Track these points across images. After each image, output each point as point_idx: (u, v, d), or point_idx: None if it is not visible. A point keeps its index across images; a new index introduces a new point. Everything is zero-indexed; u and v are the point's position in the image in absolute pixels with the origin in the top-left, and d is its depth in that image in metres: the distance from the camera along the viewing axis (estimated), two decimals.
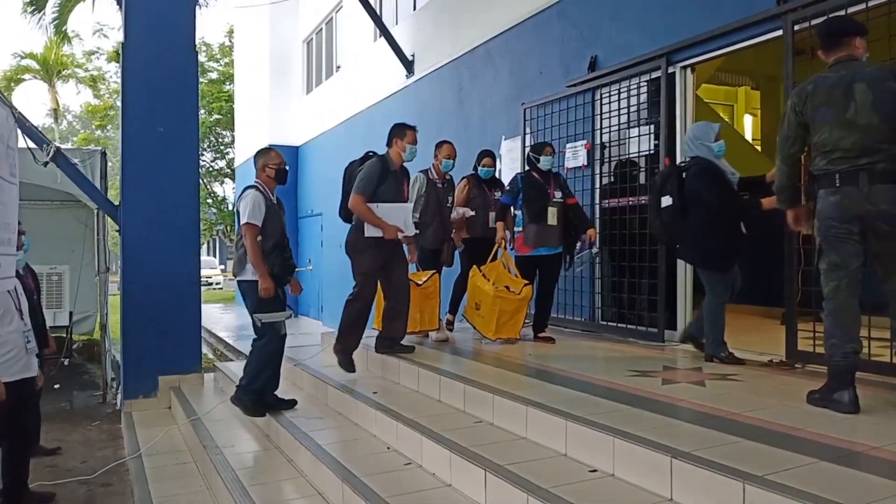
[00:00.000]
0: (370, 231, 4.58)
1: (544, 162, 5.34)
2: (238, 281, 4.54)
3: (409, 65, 10.13)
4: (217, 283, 29.10)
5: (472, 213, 5.66)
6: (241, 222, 4.36)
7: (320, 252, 13.36)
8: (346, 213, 4.80)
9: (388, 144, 4.83)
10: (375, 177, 4.61)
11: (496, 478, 2.75)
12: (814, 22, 4.18)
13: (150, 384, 6.28)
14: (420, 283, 5.25)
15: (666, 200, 4.40)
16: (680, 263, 5.28)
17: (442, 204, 5.39)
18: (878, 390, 3.46)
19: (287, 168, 4.69)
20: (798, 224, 3.41)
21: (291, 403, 4.61)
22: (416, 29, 10.20)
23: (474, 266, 5.39)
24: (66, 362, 7.89)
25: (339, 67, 13.77)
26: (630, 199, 5.75)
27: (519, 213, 5.45)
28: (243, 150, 19.15)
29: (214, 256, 36.91)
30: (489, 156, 5.90)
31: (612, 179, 6.06)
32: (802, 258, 4.27)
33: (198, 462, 4.51)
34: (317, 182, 14.27)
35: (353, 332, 4.74)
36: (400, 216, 4.66)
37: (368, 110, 11.63)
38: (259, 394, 4.55)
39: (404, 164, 4.89)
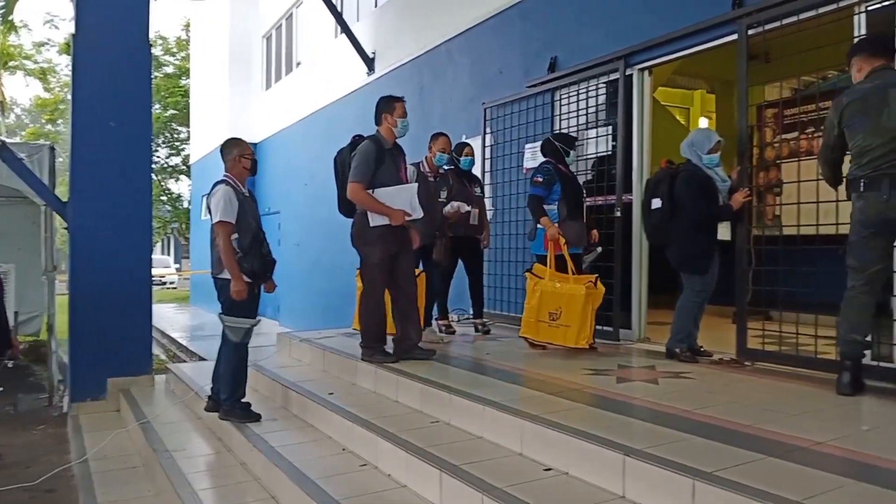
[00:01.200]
0: (375, 220, 4.31)
1: (572, 157, 5.04)
2: (216, 278, 4.24)
3: (370, 62, 10.06)
4: (171, 283, 28.50)
5: (469, 208, 5.42)
6: (214, 220, 4.09)
7: (278, 251, 13.08)
8: (346, 207, 4.53)
9: (378, 122, 4.49)
10: (372, 159, 4.30)
11: (451, 478, 2.73)
12: (767, 27, 4.29)
13: (98, 387, 6.09)
14: None
15: (656, 203, 4.45)
16: (634, 264, 5.36)
17: (433, 198, 5.15)
18: (821, 388, 3.55)
19: (256, 158, 4.47)
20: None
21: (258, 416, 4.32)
22: (378, 26, 10.14)
23: (528, 274, 4.81)
24: (10, 364, 7.61)
25: (299, 64, 13.60)
26: (587, 199, 5.79)
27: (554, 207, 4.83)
28: (199, 146, 18.81)
29: (169, 255, 36.13)
30: (469, 145, 5.79)
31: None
32: (753, 258, 4.37)
33: (147, 466, 4.39)
34: (275, 180, 14.08)
35: (375, 327, 4.50)
36: (405, 198, 4.35)
37: (329, 107, 11.52)
38: (243, 398, 4.34)
39: (397, 140, 4.56)
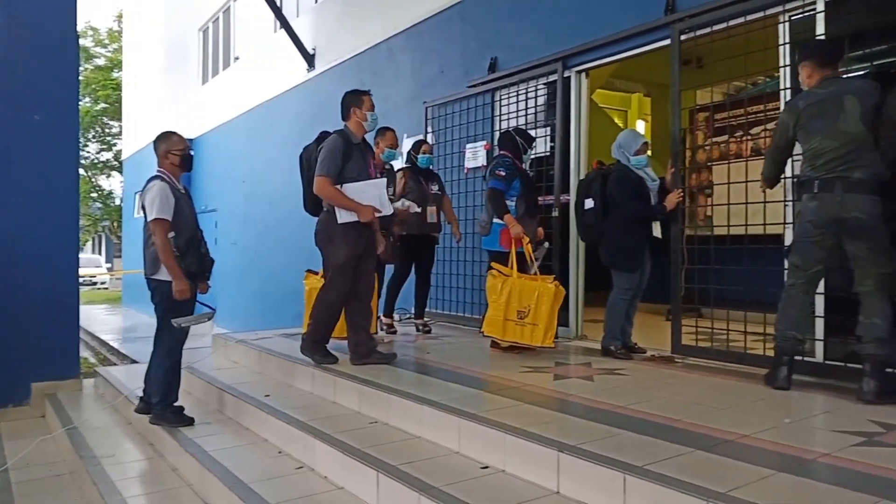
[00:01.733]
0: (343, 216, 4.12)
1: (528, 155, 4.98)
2: (149, 279, 4.01)
3: (310, 59, 9.92)
4: (102, 283, 27.43)
5: (418, 209, 5.30)
6: (149, 218, 3.88)
7: (215, 250, 12.80)
8: (312, 204, 4.34)
9: (345, 117, 4.31)
10: (339, 153, 4.12)
11: (388, 478, 2.71)
12: (698, 32, 4.42)
13: (21, 392, 5.81)
14: None
15: (589, 203, 4.52)
16: (572, 263, 5.45)
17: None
18: (749, 382, 3.69)
19: (192, 153, 4.27)
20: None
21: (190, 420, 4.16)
22: (318, 22, 10.01)
23: (493, 272, 4.63)
24: None
25: (237, 58, 13.30)
26: None
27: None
28: (132, 141, 18.19)
29: (100, 254, 34.79)
30: (427, 143, 5.72)
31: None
32: (686, 257, 4.51)
33: (73, 474, 4.21)
34: (212, 177, 13.74)
35: (325, 327, 4.33)
36: (374, 194, 4.19)
37: (268, 103, 11.31)
38: (175, 403, 4.16)
39: (365, 135, 4.40)
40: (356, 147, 4.23)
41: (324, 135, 4.34)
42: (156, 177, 4.02)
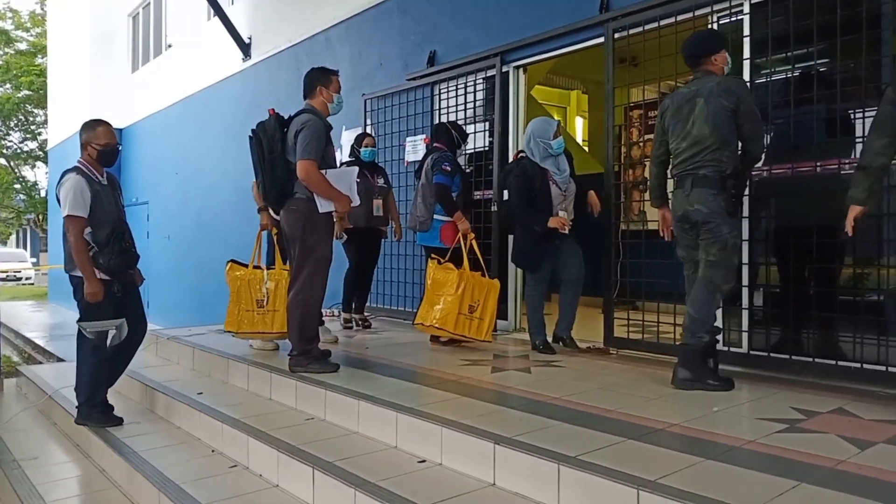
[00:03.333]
0: (323, 206, 3.78)
1: (462, 149, 4.88)
2: (70, 275, 3.82)
3: (245, 48, 9.68)
4: (27, 278, 26.19)
5: (358, 202, 5.23)
6: (63, 214, 3.64)
7: (147, 244, 12.41)
8: (280, 191, 3.84)
9: (310, 95, 3.96)
10: (323, 136, 3.79)
11: (324, 475, 2.68)
12: (631, 31, 4.51)
13: None
14: None
15: (505, 195, 4.56)
16: (510, 257, 5.48)
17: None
18: None
19: (118, 147, 3.93)
20: (664, 225, 3.76)
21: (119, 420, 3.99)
22: (254, 11, 9.77)
23: (447, 265, 4.56)
24: None
25: (170, 46, 12.85)
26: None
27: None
28: (58, 130, 17.38)
29: (24, 248, 33.19)
30: (370, 136, 5.59)
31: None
32: (621, 251, 4.60)
33: None
34: (143, 168, 13.27)
35: (313, 330, 3.99)
36: (346, 184, 3.88)
37: (202, 93, 10.98)
38: (104, 403, 3.97)
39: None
40: (328, 132, 3.91)
41: (277, 115, 3.95)
42: (72, 169, 3.77)
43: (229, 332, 4.54)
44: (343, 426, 3.31)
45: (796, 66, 3.86)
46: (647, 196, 5.38)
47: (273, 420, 3.45)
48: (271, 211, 4.41)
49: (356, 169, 4.21)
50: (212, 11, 9.98)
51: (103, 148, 3.84)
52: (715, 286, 3.38)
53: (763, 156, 3.56)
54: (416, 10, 6.59)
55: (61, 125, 16.91)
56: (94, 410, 3.94)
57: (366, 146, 5.49)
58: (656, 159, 3.68)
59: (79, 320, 3.83)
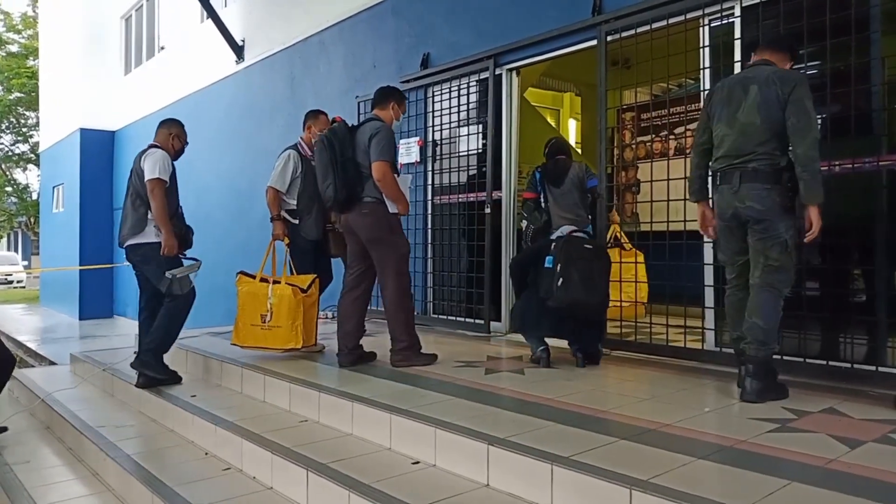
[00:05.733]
0: (391, 207, 4.01)
1: None
2: (132, 246, 4.23)
3: (238, 50, 9.67)
4: (19, 282, 26.03)
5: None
6: (149, 177, 4.11)
7: None
8: (351, 191, 3.97)
9: (381, 107, 4.18)
10: (394, 144, 4.08)
11: (318, 477, 2.69)
12: (624, 34, 4.54)
13: None
14: (305, 288, 4.45)
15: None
16: (503, 259, 5.50)
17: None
18: (671, 373, 3.82)
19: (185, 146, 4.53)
20: (705, 224, 3.43)
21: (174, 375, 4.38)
22: (247, 13, 9.77)
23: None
24: None
25: (162, 48, 12.83)
26: (459, 196, 5.90)
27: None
28: (50, 133, 17.29)
29: (16, 251, 33.01)
30: None
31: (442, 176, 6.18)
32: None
33: None
34: None
35: (413, 322, 4.19)
36: (404, 188, 4.13)
37: (195, 95, 10.97)
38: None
39: None
40: None
41: (343, 121, 4.14)
42: (155, 145, 4.32)
43: (235, 345, 4.51)
44: (337, 428, 3.31)
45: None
46: (639, 198, 5.44)
47: (267, 422, 3.45)
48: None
49: (410, 176, 4.41)
50: (205, 14, 9.98)
51: (184, 144, 4.50)
52: (780, 292, 3.13)
53: (811, 161, 2.99)
54: (410, 13, 6.60)
55: (53, 127, 16.84)
56: (156, 359, 4.27)
57: None
58: (699, 147, 3.36)
59: (163, 274, 4.19)
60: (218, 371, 4.46)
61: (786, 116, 3.03)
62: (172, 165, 4.31)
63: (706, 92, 3.46)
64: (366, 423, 3.16)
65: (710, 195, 3.37)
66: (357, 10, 7.26)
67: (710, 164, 3.29)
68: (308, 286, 4.46)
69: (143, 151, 4.29)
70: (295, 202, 4.69)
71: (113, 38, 14.90)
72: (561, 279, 3.83)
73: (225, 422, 3.47)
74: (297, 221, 4.70)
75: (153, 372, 4.25)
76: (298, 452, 2.94)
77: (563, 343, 4.17)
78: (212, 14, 9.49)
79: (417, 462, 2.83)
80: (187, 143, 4.53)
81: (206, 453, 3.45)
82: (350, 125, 4.13)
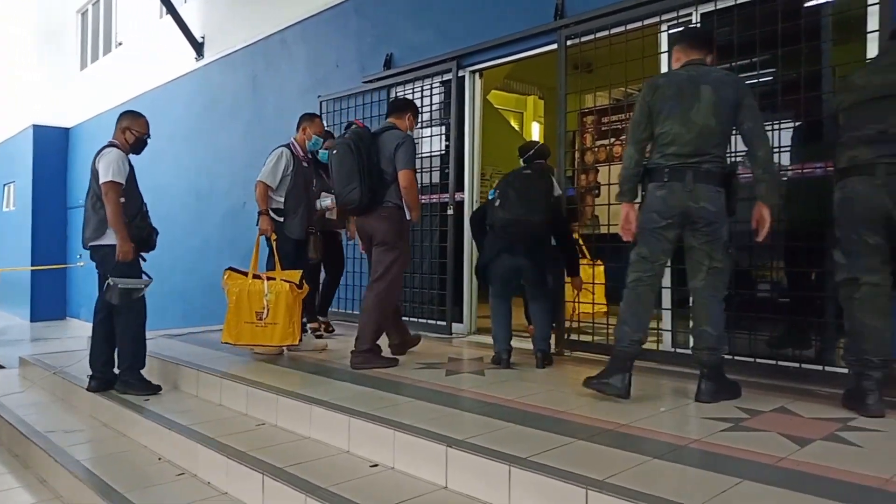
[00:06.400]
0: (408, 213, 4.19)
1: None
2: (94, 247, 4.08)
3: (198, 47, 9.51)
4: None
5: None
6: (103, 180, 3.96)
7: None
8: (375, 195, 4.09)
9: (398, 115, 4.33)
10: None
11: (274, 481, 2.65)
12: (584, 39, 4.59)
13: None
14: (300, 284, 4.44)
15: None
16: (466, 260, 5.51)
17: (309, 186, 4.87)
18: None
19: (148, 141, 4.29)
20: (628, 224, 3.28)
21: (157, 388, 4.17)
22: (208, 9, 9.61)
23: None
24: None
25: (120, 43, 12.56)
26: (421, 197, 5.87)
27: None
28: (2, 129, 16.76)
29: None
30: (332, 135, 5.46)
31: None
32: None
33: None
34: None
35: (387, 324, 4.36)
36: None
37: (154, 92, 10.75)
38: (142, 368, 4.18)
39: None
40: None
41: (364, 126, 4.27)
42: (111, 144, 4.14)
43: (227, 343, 4.43)
44: (295, 431, 3.27)
45: (743, 74, 3.97)
46: (598, 201, 5.48)
47: (223, 426, 3.39)
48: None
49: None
50: (164, 9, 9.79)
51: (140, 136, 4.23)
52: (722, 295, 3.18)
53: (771, 163, 3.13)
54: (373, 13, 6.57)
55: (5, 123, 16.32)
56: (136, 377, 4.09)
57: (325, 149, 5.35)
58: (640, 144, 3.23)
59: (109, 276, 4.02)
60: (173, 374, 4.36)
61: (739, 121, 3.08)
62: (129, 164, 4.13)
63: (645, 82, 3.32)
64: (324, 426, 3.13)
65: (653, 189, 3.22)
66: (319, 8, 7.20)
67: (655, 159, 3.19)
68: (301, 282, 4.46)
69: (100, 151, 4.12)
70: (282, 200, 4.70)
71: (69, 33, 14.52)
72: (498, 200, 3.96)
73: (179, 426, 3.40)
74: (281, 219, 4.69)
75: (136, 391, 4.04)
76: (254, 456, 2.89)
77: (525, 344, 4.19)
78: (171, 10, 9.32)
79: (376, 465, 2.81)
80: (148, 135, 4.27)
81: (160, 458, 3.37)
82: (371, 131, 4.27)
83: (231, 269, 4.55)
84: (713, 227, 3.11)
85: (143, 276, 4.11)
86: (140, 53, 11.51)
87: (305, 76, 7.46)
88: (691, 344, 3.37)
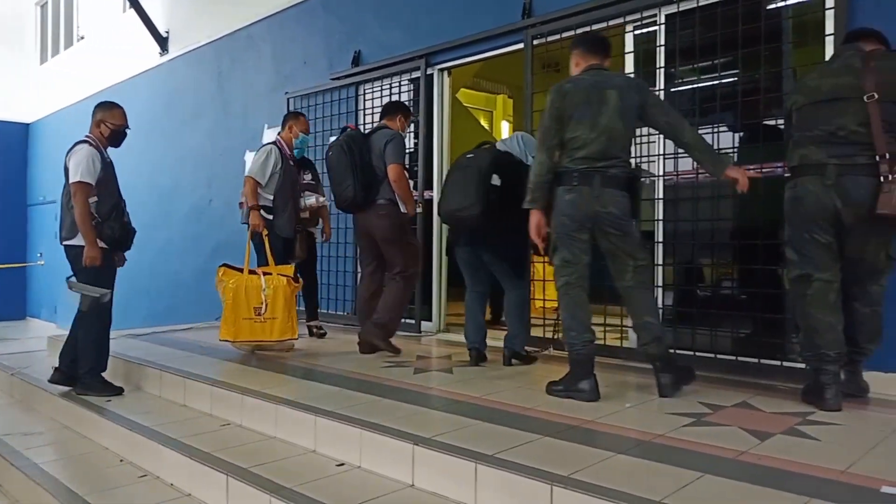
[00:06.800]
0: (402, 206, 4.35)
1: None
2: (67, 246, 3.96)
3: (162, 42, 9.34)
4: None
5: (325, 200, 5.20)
6: (71, 180, 3.84)
7: (54, 244, 11.81)
8: (369, 192, 4.27)
9: (390, 118, 4.49)
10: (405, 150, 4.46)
11: (238, 482, 2.61)
12: (550, 38, 4.62)
13: None
14: (296, 278, 4.51)
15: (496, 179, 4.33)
16: (435, 258, 5.51)
17: (295, 185, 4.87)
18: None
19: (127, 132, 4.18)
20: (539, 231, 3.29)
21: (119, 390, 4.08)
22: (172, 4, 9.44)
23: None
24: None
25: (82, 37, 12.27)
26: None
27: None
28: None
29: None
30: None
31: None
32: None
33: None
34: (52, 165, 12.55)
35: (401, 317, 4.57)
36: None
37: (117, 87, 10.49)
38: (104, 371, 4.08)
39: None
40: None
41: (356, 129, 4.63)
42: (83, 141, 3.99)
43: (226, 340, 4.39)
44: (260, 431, 3.24)
45: (706, 75, 4.04)
46: None
47: (186, 427, 3.34)
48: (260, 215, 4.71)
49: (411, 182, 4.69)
50: (127, 3, 9.60)
51: (116, 128, 4.08)
52: (652, 287, 3.32)
53: (702, 140, 3.23)
54: (341, 10, 6.52)
55: None
56: (97, 380, 3.98)
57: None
58: (552, 150, 3.21)
59: (69, 277, 3.94)
60: (136, 375, 4.28)
61: (653, 121, 3.20)
62: (103, 160, 3.96)
63: (553, 88, 3.28)
64: (290, 426, 3.10)
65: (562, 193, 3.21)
66: (287, 4, 7.13)
67: (565, 164, 3.18)
68: (296, 276, 4.54)
69: (71, 147, 3.98)
70: (271, 197, 4.71)
71: (28, 26, 14.15)
72: (441, 193, 4.07)
73: (141, 427, 3.34)
74: (270, 217, 4.71)
75: (97, 393, 3.94)
76: (218, 457, 2.86)
77: (494, 343, 4.19)
78: (134, 4, 9.13)
79: (342, 464, 2.79)
80: (126, 127, 4.15)
81: (122, 460, 3.31)
82: (364, 132, 4.53)
83: (226, 265, 4.52)
84: (623, 229, 3.17)
85: (103, 288, 3.91)
86: (102, 48, 11.26)
87: (272, 73, 7.38)
88: (637, 341, 3.39)
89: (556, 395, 3.24)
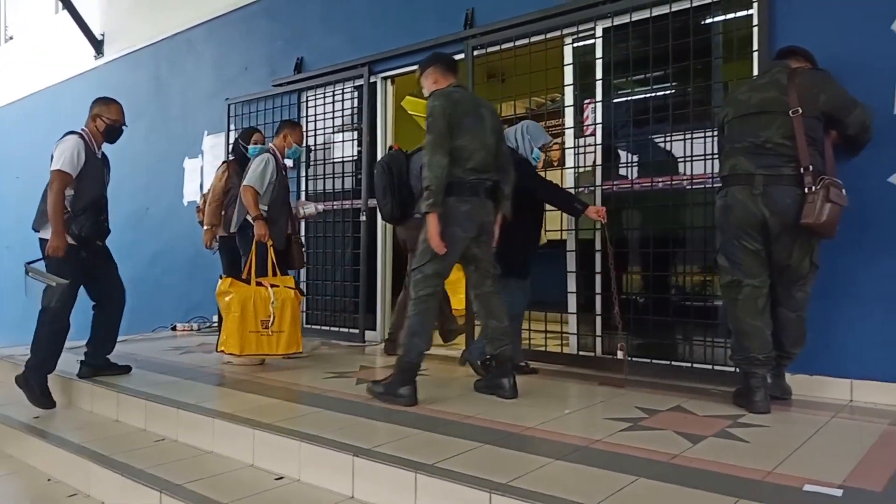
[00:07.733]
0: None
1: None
2: (41, 239, 3.88)
3: (98, 45, 9.05)
4: None
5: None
6: (52, 168, 3.78)
7: None
8: (402, 212, 4.51)
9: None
10: None
11: (172, 498, 2.54)
12: (490, 49, 4.67)
13: None
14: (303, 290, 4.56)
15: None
16: (380, 267, 5.49)
17: (289, 194, 4.77)
18: (536, 378, 3.95)
19: (123, 129, 4.13)
20: (440, 236, 3.20)
21: (126, 369, 4.14)
22: (108, 6, 9.16)
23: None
24: None
25: (10, 38, 11.79)
26: (334, 203, 5.82)
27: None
28: None
29: None
30: (259, 132, 5.20)
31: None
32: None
33: None
34: None
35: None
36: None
37: (48, 90, 10.12)
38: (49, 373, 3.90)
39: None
40: None
41: (397, 148, 4.70)
42: (74, 132, 3.93)
43: (231, 353, 4.21)
44: (197, 446, 3.15)
45: (640, 88, 4.16)
46: None
47: (119, 443, 3.23)
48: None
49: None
50: (60, 4, 9.28)
51: (112, 123, 4.03)
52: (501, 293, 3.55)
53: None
54: (284, 15, 6.45)
55: None
56: (38, 382, 3.81)
57: (254, 143, 5.04)
58: (448, 155, 3.19)
59: (28, 262, 3.83)
60: (66, 390, 4.11)
61: (499, 147, 3.43)
62: (89, 154, 3.87)
63: (438, 93, 3.29)
64: (228, 440, 3.03)
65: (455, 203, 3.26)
66: (228, 8, 7.00)
67: (457, 174, 3.22)
68: (297, 287, 4.53)
69: (62, 136, 3.92)
70: (265, 207, 4.51)
71: None
72: None
73: (71, 444, 3.21)
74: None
75: (31, 396, 3.78)
76: (152, 474, 2.77)
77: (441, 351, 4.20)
78: (67, 5, 8.82)
79: (281, 477, 2.74)
80: (123, 123, 4.09)
81: (49, 479, 3.18)
82: (406, 153, 4.61)
83: (230, 276, 4.37)
84: (490, 238, 3.43)
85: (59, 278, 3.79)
86: (33, 49, 10.83)
87: (212, 78, 7.23)
88: (491, 344, 3.50)
89: (376, 396, 3.37)
